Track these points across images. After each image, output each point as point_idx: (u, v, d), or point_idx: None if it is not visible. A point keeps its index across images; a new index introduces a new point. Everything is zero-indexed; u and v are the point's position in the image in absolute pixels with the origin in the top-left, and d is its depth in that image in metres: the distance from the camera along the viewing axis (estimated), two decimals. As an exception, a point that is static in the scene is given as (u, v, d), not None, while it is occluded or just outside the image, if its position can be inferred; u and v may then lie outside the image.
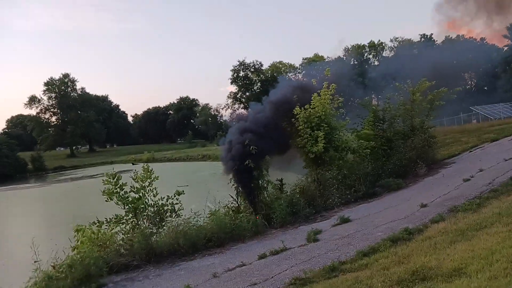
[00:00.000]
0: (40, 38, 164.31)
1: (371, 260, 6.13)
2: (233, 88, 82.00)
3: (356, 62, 67.43)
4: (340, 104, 12.86)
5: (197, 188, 20.55)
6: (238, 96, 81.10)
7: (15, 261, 11.27)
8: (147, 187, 9.42)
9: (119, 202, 9.09)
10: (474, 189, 10.38)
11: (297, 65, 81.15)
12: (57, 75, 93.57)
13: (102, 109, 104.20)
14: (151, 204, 9.41)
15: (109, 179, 9.12)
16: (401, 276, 4.87)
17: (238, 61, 79.32)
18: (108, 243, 8.37)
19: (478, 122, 33.92)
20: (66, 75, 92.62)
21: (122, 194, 9.11)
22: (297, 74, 76.20)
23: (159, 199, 9.53)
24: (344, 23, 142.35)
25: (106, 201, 9.10)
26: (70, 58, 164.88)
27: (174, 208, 9.60)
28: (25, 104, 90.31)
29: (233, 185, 11.41)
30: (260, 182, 11.44)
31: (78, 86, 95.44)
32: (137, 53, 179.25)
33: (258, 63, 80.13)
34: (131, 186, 9.27)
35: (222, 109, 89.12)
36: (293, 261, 6.93)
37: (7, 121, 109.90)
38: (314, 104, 11.91)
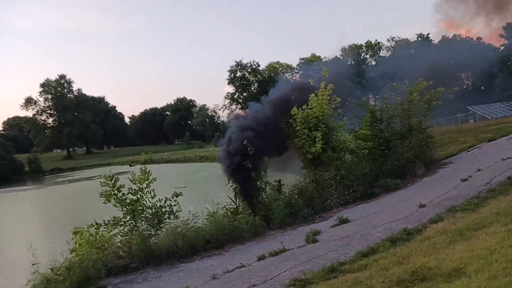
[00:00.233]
0: (38, 38, 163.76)
1: (370, 261, 6.13)
2: (230, 89, 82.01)
3: (353, 62, 67.55)
4: (338, 104, 12.87)
5: (195, 189, 20.52)
6: (235, 96, 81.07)
7: (13, 264, 11.21)
8: (145, 188, 9.41)
9: (117, 204, 9.07)
10: (472, 189, 10.40)
11: (294, 65, 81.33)
12: (54, 76, 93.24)
13: (99, 110, 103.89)
14: (149, 206, 9.39)
15: (106, 181, 9.10)
16: (400, 277, 4.87)
17: (235, 62, 79.37)
18: (106, 245, 8.34)
19: (475, 121, 34.03)
20: (62, 76, 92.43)
21: (120, 196, 9.09)
22: (294, 74, 76.28)
23: (157, 200, 9.52)
24: (341, 23, 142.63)
25: (104, 203, 9.07)
26: (67, 59, 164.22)
27: (172, 209, 9.58)
28: (22, 105, 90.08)
29: (231, 186, 11.40)
30: (258, 183, 11.44)
31: (75, 87, 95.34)
32: (133, 53, 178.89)
33: (255, 63, 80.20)
34: (128, 188, 9.25)
35: (219, 110, 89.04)
36: (292, 262, 6.92)
37: (4, 123, 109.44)
38: (311, 105, 11.92)
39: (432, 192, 10.99)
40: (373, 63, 71.54)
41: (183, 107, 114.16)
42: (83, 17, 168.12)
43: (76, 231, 8.34)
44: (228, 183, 11.46)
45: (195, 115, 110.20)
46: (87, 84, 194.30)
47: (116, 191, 9.09)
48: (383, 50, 76.40)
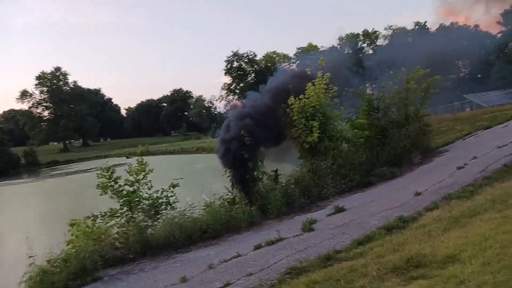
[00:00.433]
0: (33, 31, 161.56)
1: (366, 249, 6.17)
2: (227, 80, 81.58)
3: (350, 51, 67.22)
4: (335, 93, 12.81)
5: (192, 180, 20.51)
6: (232, 87, 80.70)
7: (10, 256, 11.22)
8: (142, 180, 9.39)
9: (114, 196, 9.06)
10: (467, 176, 10.44)
11: (291, 55, 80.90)
12: (49, 69, 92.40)
13: (95, 102, 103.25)
14: (145, 197, 9.38)
15: (103, 173, 9.07)
16: (396, 264, 4.89)
17: (232, 52, 78.80)
18: (103, 236, 8.35)
19: (471, 110, 34.07)
20: (57, 69, 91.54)
21: (116, 187, 9.08)
22: (291, 64, 75.94)
23: (154, 192, 9.51)
24: (338, 13, 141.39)
25: (100, 195, 9.06)
26: (62, 52, 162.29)
27: (169, 200, 9.59)
28: (17, 98, 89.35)
29: (228, 176, 11.40)
30: (255, 173, 11.44)
31: (70, 79, 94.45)
32: (129, 45, 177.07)
33: (252, 53, 79.67)
34: (125, 180, 9.23)
35: (216, 100, 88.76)
36: (288, 251, 6.95)
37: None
38: (308, 94, 11.86)
39: (428, 180, 11.03)
40: (370, 52, 71.21)
41: (180, 98, 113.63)
42: (77, 9, 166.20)
43: (73, 223, 8.35)
44: (225, 173, 11.46)
45: (191, 106, 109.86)
46: (83, 76, 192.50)
47: (112, 183, 9.08)
48: (380, 39, 76.09)
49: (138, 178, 9.36)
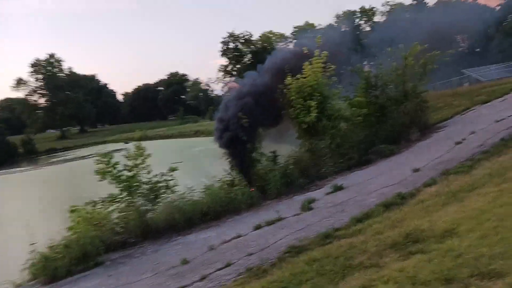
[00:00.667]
0: (26, 19, 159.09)
1: (365, 226, 6.21)
2: (223, 61, 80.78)
3: (347, 29, 66.33)
4: (333, 72, 12.66)
5: (191, 164, 20.57)
6: (228, 69, 79.93)
7: (12, 244, 11.32)
8: (140, 165, 9.38)
9: (113, 181, 9.06)
10: (466, 151, 10.44)
11: (288, 34, 79.82)
12: (43, 56, 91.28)
13: (91, 88, 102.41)
14: (145, 181, 9.39)
15: (101, 159, 9.05)
16: (394, 240, 4.93)
17: (228, 33, 77.69)
18: (103, 222, 8.38)
19: (470, 85, 33.85)
20: (52, 55, 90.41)
21: (115, 173, 9.07)
22: (288, 44, 75.00)
23: (153, 176, 9.52)
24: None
25: (99, 180, 9.06)
26: (56, 38, 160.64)
27: (168, 184, 9.60)
28: (13, 86, 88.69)
29: (226, 159, 11.40)
30: (254, 155, 11.44)
31: (65, 66, 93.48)
32: (123, 30, 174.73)
33: (248, 33, 78.56)
34: (124, 165, 9.22)
35: (213, 83, 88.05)
36: (288, 230, 7.01)
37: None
38: (306, 73, 11.74)
39: (427, 156, 11.04)
40: (368, 29, 70.30)
41: (176, 82, 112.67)
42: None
43: (73, 209, 8.36)
44: (224, 156, 11.46)
45: (188, 90, 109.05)
46: (78, 62, 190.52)
47: (111, 168, 9.07)
48: (377, 15, 75.00)
49: (136, 163, 9.34)
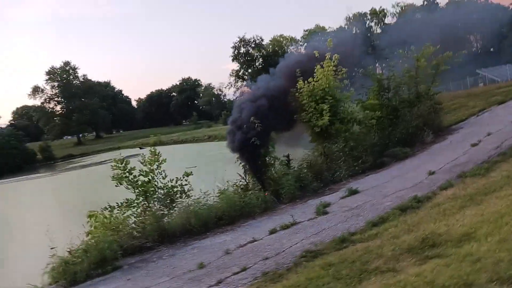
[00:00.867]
0: (40, 27, 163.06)
1: (380, 230, 6.19)
2: (235, 66, 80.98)
3: (358, 31, 66.01)
4: (344, 75, 12.65)
5: (205, 168, 20.70)
6: (240, 73, 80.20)
7: (32, 249, 11.56)
8: (156, 170, 9.50)
9: (129, 186, 9.19)
10: (482, 153, 10.31)
11: (298, 37, 79.82)
12: (58, 64, 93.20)
13: (106, 95, 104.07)
14: (160, 186, 9.51)
15: (117, 164, 9.20)
16: (411, 244, 4.91)
17: (238, 37, 77.96)
18: (120, 227, 8.50)
19: (485, 85, 33.32)
20: (67, 63, 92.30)
21: (131, 178, 9.19)
22: (299, 47, 75.01)
23: (168, 181, 9.63)
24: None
25: (116, 186, 9.20)
26: (70, 46, 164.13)
27: (184, 189, 9.70)
28: (29, 94, 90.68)
29: (240, 163, 11.46)
30: (267, 159, 11.48)
31: (80, 73, 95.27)
32: (135, 36, 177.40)
33: (258, 38, 78.71)
34: (139, 170, 9.35)
35: (225, 88, 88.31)
36: (303, 235, 7.02)
37: (13, 112, 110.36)
38: (317, 77, 11.75)
39: (442, 158, 10.93)
40: (379, 31, 69.85)
41: (189, 87, 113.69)
42: (78, 2, 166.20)
43: (91, 214, 8.50)
44: (237, 160, 11.52)
45: (201, 95, 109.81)
46: (92, 70, 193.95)
47: (127, 174, 9.20)
48: (388, 17, 74.45)
49: (152, 168, 9.47)
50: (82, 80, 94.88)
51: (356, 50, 15.59)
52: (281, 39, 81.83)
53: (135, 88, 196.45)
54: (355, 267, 4.77)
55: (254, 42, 78.40)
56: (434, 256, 4.38)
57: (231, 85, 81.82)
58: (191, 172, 9.95)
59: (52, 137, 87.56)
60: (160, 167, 9.56)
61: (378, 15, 73.98)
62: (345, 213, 7.84)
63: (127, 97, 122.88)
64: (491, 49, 56.36)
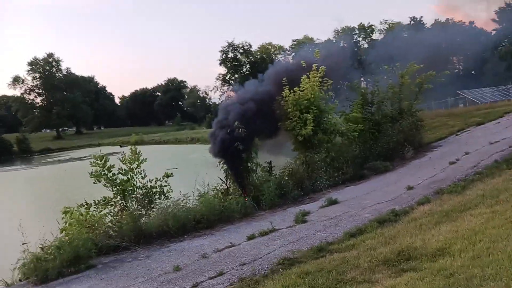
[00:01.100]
0: (25, 16, 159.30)
1: (358, 241, 6.25)
2: (222, 70, 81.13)
3: (345, 45, 67.13)
4: (330, 87, 12.82)
5: (186, 170, 20.51)
6: (227, 78, 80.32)
7: (3, 243, 11.19)
8: (135, 169, 9.36)
9: (107, 184, 9.02)
10: (459, 171, 10.58)
11: (286, 47, 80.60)
12: (42, 55, 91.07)
13: (89, 90, 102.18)
14: (139, 186, 9.37)
15: (96, 161, 9.03)
16: (387, 256, 4.98)
17: (227, 42, 78.28)
18: (96, 225, 8.33)
19: (465, 106, 34.32)
20: (50, 55, 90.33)
21: (110, 176, 9.03)
22: (286, 56, 75.66)
23: (147, 181, 9.49)
24: (334, 5, 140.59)
25: (94, 183, 9.01)
26: (55, 38, 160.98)
27: (163, 190, 9.58)
28: (9, 84, 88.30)
29: (222, 167, 11.41)
30: (249, 165, 11.47)
31: (63, 66, 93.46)
32: (122, 33, 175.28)
33: (247, 44, 79.21)
34: (119, 168, 9.19)
35: (211, 91, 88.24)
36: (281, 242, 7.02)
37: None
38: (303, 87, 11.87)
39: (421, 174, 11.16)
40: (366, 46, 71.22)
41: (174, 88, 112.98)
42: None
43: (66, 210, 8.29)
44: (219, 164, 11.46)
45: (186, 96, 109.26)
46: (76, 63, 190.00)
47: (106, 171, 9.03)
48: (375, 33, 76.06)
49: (131, 167, 9.33)
50: (66, 73, 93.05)
51: (343, 63, 15.86)
52: (270, 47, 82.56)
53: (120, 85, 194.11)
54: (332, 277, 4.80)
55: (242, 48, 78.83)
56: (409, 269, 4.45)
57: (217, 89, 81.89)
58: (172, 173, 9.83)
59: (30, 129, 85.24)
60: (140, 166, 9.42)
61: (366, 30, 75.48)
62: (324, 223, 7.90)
63: (110, 93, 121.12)
64: (473, 72, 58.17)
